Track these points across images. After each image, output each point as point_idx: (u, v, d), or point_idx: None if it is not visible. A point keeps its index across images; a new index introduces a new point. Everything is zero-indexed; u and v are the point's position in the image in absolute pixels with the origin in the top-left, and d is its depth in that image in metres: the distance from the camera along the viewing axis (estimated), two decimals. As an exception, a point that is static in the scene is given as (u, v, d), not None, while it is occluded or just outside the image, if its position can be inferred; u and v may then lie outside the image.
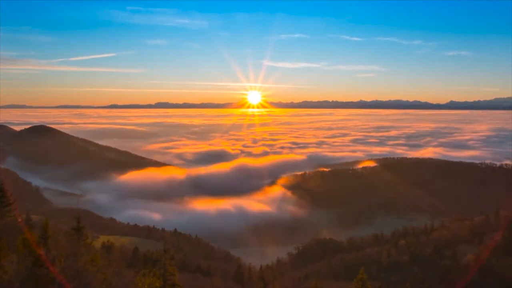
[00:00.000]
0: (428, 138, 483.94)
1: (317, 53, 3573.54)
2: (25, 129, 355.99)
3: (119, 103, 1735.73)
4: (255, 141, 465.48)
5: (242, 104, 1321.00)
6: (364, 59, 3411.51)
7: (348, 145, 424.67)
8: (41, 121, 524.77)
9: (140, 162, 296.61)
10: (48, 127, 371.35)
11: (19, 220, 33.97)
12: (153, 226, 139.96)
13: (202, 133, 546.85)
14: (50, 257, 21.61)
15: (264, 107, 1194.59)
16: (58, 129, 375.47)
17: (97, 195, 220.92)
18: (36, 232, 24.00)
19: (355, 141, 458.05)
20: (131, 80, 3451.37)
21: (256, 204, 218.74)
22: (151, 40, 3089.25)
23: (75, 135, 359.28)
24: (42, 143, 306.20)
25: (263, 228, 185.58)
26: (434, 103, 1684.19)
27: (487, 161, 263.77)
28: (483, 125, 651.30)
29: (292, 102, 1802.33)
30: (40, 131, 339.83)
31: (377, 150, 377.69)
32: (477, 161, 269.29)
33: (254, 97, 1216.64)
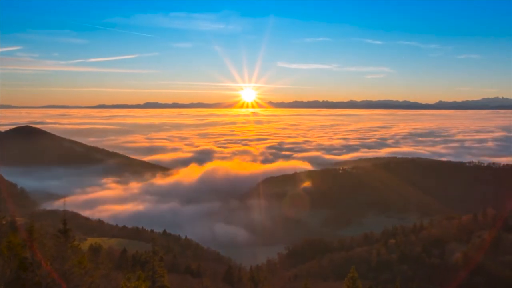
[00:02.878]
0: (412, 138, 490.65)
1: (333, 55, 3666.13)
2: (10, 129, 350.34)
3: (108, 103, 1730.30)
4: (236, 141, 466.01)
5: (231, 103, 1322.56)
6: (376, 61, 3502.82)
7: (338, 145, 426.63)
8: (25, 121, 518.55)
9: (130, 162, 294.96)
10: (34, 127, 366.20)
11: (4, 222, 33.19)
12: (142, 227, 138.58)
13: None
14: (36, 260, 21.06)
15: (260, 106, 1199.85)
16: (44, 129, 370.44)
17: (84, 196, 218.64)
18: (22, 234, 23.39)
19: (344, 141, 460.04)
20: (138, 81, 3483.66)
21: (245, 204, 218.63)
22: (177, 43, 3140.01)
23: (60, 135, 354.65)
24: (27, 144, 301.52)
25: (253, 229, 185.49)
26: (424, 103, 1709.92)
27: (475, 161, 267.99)
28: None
29: (282, 102, 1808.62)
30: (25, 132, 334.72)
31: (367, 150, 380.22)
32: (465, 161, 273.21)
33: (246, 97, 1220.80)
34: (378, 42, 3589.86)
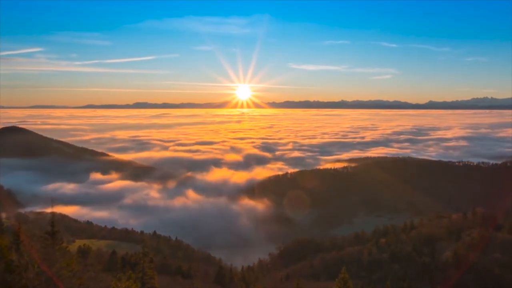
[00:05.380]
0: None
1: (345, 57, 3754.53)
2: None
3: (97, 103, 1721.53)
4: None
5: (222, 103, 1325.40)
6: (384, 62, 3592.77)
7: (328, 145, 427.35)
8: (12, 122, 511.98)
9: (121, 163, 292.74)
10: (21, 127, 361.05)
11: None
12: (132, 228, 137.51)
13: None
14: (23, 262, 20.58)
15: (255, 105, 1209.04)
16: (32, 130, 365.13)
17: (72, 198, 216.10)
18: (9, 237, 22.86)
19: (334, 141, 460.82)
20: (144, 81, 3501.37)
21: (236, 205, 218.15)
22: (197, 46, 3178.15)
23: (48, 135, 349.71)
24: (14, 144, 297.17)
25: (245, 229, 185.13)
26: (414, 103, 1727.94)
27: (464, 160, 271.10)
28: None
29: (274, 102, 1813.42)
30: (12, 132, 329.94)
31: (358, 150, 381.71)
32: (454, 160, 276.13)
33: (240, 97, 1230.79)
34: (394, 45, 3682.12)
